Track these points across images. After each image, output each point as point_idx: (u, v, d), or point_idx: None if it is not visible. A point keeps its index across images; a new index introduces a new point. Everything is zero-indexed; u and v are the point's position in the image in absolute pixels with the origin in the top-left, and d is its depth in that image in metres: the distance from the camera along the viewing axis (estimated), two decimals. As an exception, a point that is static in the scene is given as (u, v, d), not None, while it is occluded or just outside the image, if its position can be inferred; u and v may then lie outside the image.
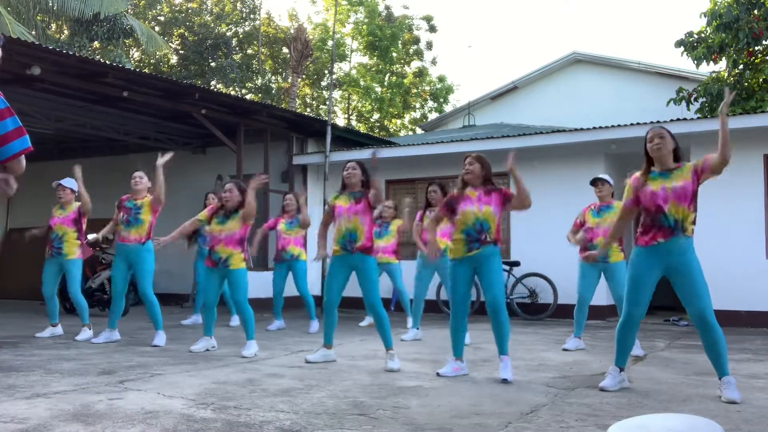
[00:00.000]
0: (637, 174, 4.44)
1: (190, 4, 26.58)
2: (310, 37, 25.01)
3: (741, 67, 12.49)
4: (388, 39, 26.91)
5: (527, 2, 53.40)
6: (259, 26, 26.83)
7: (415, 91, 28.62)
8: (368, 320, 8.71)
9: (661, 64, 16.64)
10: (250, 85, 26.57)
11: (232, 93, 21.32)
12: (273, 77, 28.20)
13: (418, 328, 7.34)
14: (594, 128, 10.26)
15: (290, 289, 8.40)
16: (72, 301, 7.23)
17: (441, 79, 28.78)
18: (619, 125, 10.04)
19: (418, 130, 24.99)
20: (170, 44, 24.70)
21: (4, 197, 2.87)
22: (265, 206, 11.04)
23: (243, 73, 25.09)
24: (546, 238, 10.17)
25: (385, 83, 27.70)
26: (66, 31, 20.82)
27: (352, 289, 5.68)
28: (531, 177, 11.03)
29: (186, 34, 25.45)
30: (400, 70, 28.82)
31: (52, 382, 4.44)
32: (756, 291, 9.06)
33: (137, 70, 12.49)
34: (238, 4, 26.93)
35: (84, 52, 16.88)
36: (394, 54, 27.71)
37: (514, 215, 10.49)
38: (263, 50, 26.93)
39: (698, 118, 11.13)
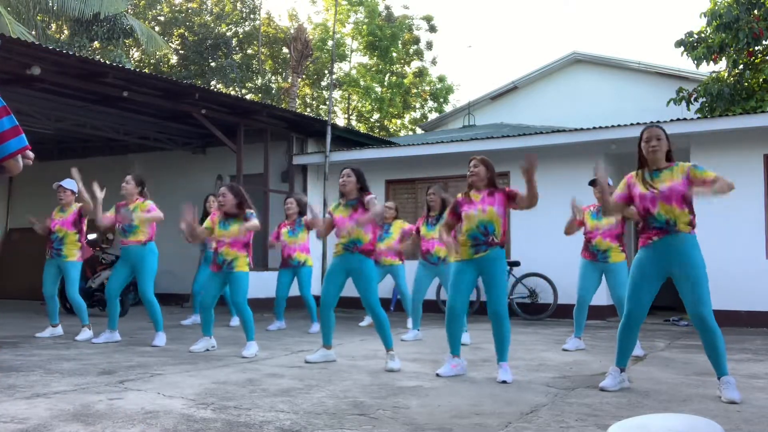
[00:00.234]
0: (632, 173, 4.45)
1: (190, 4, 26.58)
2: (310, 37, 25.02)
3: (741, 67, 12.50)
4: (388, 39, 26.92)
5: (527, 2, 53.44)
6: (259, 26, 26.84)
7: (415, 91, 28.62)
8: (368, 320, 8.71)
9: (661, 64, 16.65)
10: (250, 85, 26.58)
11: (232, 93, 21.33)
12: (273, 77, 28.21)
13: (419, 330, 7.35)
14: (594, 128, 10.26)
15: (290, 290, 8.38)
16: (71, 302, 7.23)
17: (441, 79, 28.78)
18: (619, 125, 10.05)
19: (418, 130, 25.00)
20: (170, 44, 24.70)
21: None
22: (265, 206, 11.05)
23: (243, 73, 25.09)
24: (546, 238, 10.17)
25: (385, 83, 27.71)
26: (66, 31, 20.82)
27: (353, 288, 5.68)
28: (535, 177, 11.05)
29: (186, 34, 25.45)
30: (400, 70, 28.82)
31: (52, 382, 4.43)
32: (756, 291, 9.06)
33: (137, 70, 12.49)
34: (238, 4, 26.94)
35: (84, 52, 16.89)
36: (394, 54, 27.72)
37: (514, 215, 10.49)
38: (263, 50, 26.93)
39: (698, 118, 11.13)
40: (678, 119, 10.09)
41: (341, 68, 28.52)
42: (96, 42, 19.21)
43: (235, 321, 8.51)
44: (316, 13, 39.31)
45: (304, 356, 5.72)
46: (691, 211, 4.25)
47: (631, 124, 9.91)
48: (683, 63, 33.46)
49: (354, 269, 5.38)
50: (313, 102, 29.10)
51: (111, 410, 3.63)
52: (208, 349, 6.14)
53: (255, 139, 11.71)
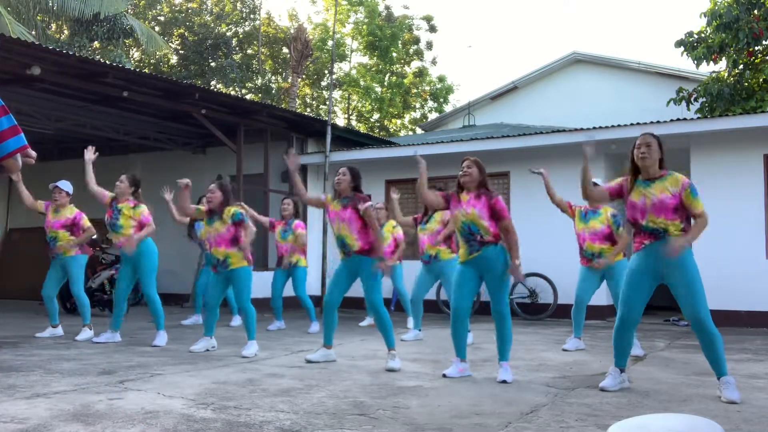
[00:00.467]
0: (630, 176, 4.45)
1: (190, 4, 26.57)
2: (310, 37, 25.01)
3: (741, 67, 12.50)
4: (388, 39, 26.91)
5: (527, 2, 53.43)
6: (259, 26, 26.83)
7: (415, 91, 28.62)
8: (368, 320, 8.72)
9: (661, 64, 16.64)
10: (250, 85, 26.58)
11: (232, 93, 21.33)
12: (273, 77, 28.20)
13: (420, 330, 7.35)
14: (594, 128, 10.25)
15: (290, 290, 8.39)
16: (74, 299, 7.22)
17: (441, 79, 28.78)
18: (619, 125, 10.04)
19: (418, 130, 24.99)
20: (170, 44, 24.70)
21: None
22: (265, 206, 11.05)
23: (243, 73, 25.09)
24: (546, 238, 10.17)
25: (385, 83, 27.70)
26: (66, 31, 20.82)
27: (353, 289, 5.68)
28: (530, 177, 11.06)
29: (186, 34, 25.45)
30: (400, 70, 28.82)
31: (52, 382, 4.43)
32: (756, 291, 9.06)
33: (137, 70, 12.49)
34: (238, 4, 26.93)
35: (84, 52, 16.88)
36: (394, 54, 27.71)
37: (514, 215, 10.42)
38: (263, 50, 26.93)
39: (698, 118, 11.13)
40: (678, 119, 10.08)
41: (341, 68, 28.54)
42: (96, 42, 19.20)
43: (236, 321, 8.52)
44: (316, 13, 39.38)
45: (304, 356, 5.72)
46: (683, 219, 4.25)
47: (631, 124, 9.91)
48: (683, 63, 33.47)
49: (357, 270, 5.41)
50: (313, 102, 29.10)
51: (111, 410, 3.63)
52: (208, 350, 6.14)
53: (255, 139, 11.71)
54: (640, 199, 4.28)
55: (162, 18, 26.22)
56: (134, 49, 24.84)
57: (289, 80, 24.95)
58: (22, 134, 2.80)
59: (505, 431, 3.35)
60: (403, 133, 28.41)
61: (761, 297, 9.05)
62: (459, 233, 4.89)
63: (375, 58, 28.00)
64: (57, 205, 7.13)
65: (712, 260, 8.18)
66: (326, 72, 27.16)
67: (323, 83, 28.35)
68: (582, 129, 10.43)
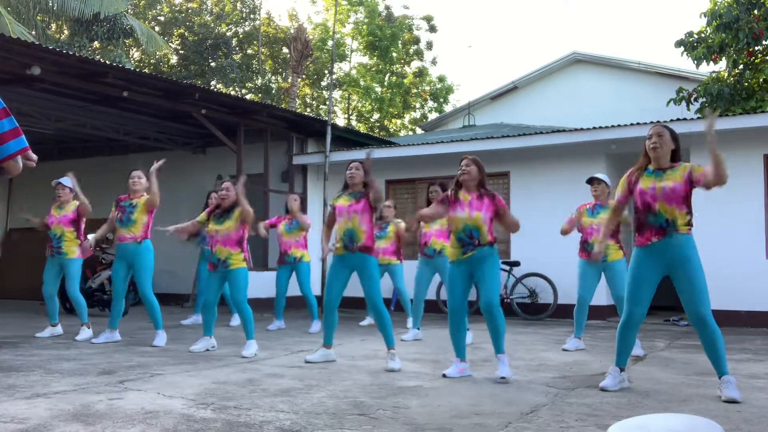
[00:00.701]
0: (632, 169, 4.45)
1: (190, 4, 26.58)
2: (310, 37, 25.01)
3: (741, 67, 12.49)
4: (388, 39, 26.91)
5: (527, 2, 53.43)
6: (259, 26, 26.83)
7: (415, 91, 28.62)
8: (368, 320, 8.72)
9: (661, 64, 16.64)
10: (250, 85, 26.58)
11: (232, 93, 21.33)
12: (273, 77, 28.20)
13: (419, 329, 7.35)
14: (594, 128, 10.26)
15: (291, 290, 8.39)
16: (71, 300, 7.23)
17: (441, 79, 28.78)
18: (619, 125, 10.04)
19: (418, 130, 24.99)
20: (170, 44, 24.69)
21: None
22: (264, 207, 11.05)
23: (243, 73, 25.09)
24: (546, 238, 10.15)
25: (385, 83, 27.70)
26: (66, 31, 20.82)
27: (353, 288, 5.68)
28: (530, 177, 11.10)
29: (186, 34, 25.45)
30: (400, 70, 28.82)
31: (52, 382, 4.43)
32: (756, 291, 9.06)
33: (137, 70, 12.49)
34: (238, 4, 26.93)
35: (84, 52, 16.89)
36: (394, 54, 27.71)
37: (514, 215, 10.48)
38: (263, 50, 26.93)
39: (698, 118, 11.12)
40: (678, 119, 10.09)
41: (341, 68, 28.54)
42: (96, 42, 19.21)
43: (235, 321, 8.52)
44: (316, 13, 39.36)
45: (304, 356, 5.72)
46: (690, 212, 4.25)
47: (631, 124, 9.91)
48: (683, 63, 33.46)
49: (357, 267, 5.39)
50: (313, 102, 29.10)
51: (111, 410, 3.63)
52: (208, 349, 6.15)
53: (255, 139, 11.71)
54: (650, 186, 4.26)
55: (162, 18, 26.22)
56: (134, 49, 24.85)
57: (289, 80, 24.95)
58: (23, 136, 2.81)
59: (505, 431, 3.35)
60: (403, 133, 28.41)
61: (761, 297, 9.06)
62: (456, 234, 4.86)
63: (375, 58, 28.00)
64: (61, 202, 7.14)
65: (712, 260, 8.17)
66: (326, 72, 27.16)
67: (323, 83, 28.35)
68: (582, 129, 10.43)
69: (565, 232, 6.60)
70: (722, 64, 13.01)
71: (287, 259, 8.15)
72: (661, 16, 54.80)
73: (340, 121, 27.87)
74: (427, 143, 11.97)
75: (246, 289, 6.06)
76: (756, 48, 12.23)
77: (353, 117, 29.17)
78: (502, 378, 4.65)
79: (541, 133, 10.75)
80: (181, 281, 11.77)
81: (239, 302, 6.02)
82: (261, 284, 9.69)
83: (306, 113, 22.62)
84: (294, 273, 8.18)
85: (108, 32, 18.01)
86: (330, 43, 25.27)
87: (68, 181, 7.14)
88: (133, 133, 12.12)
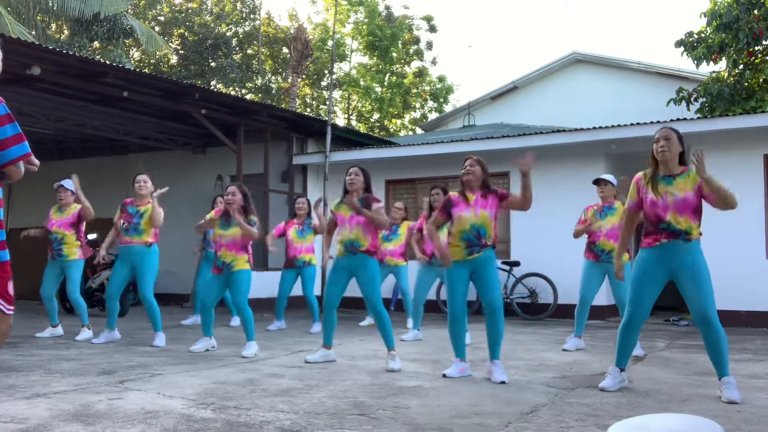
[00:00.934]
0: (639, 174, 4.43)
1: (190, 4, 26.58)
2: (310, 37, 25.01)
3: (741, 67, 12.50)
4: (388, 39, 26.91)
5: (527, 2, 53.43)
6: (259, 26, 26.83)
7: (415, 91, 28.62)
8: (368, 320, 8.71)
9: (661, 64, 16.64)
10: (250, 85, 26.58)
11: (232, 93, 21.33)
12: (273, 77, 28.20)
13: (419, 330, 7.35)
14: (594, 128, 10.26)
15: (292, 290, 8.36)
16: (71, 302, 7.22)
17: (441, 79, 28.78)
18: (619, 125, 10.04)
19: (418, 130, 24.99)
20: (170, 44, 24.69)
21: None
22: (265, 207, 11.05)
23: (243, 73, 25.09)
24: (546, 238, 10.17)
25: (385, 83, 27.70)
26: (66, 31, 20.82)
27: (353, 288, 5.68)
28: (531, 177, 11.06)
29: (186, 34, 25.45)
30: (400, 70, 28.82)
31: (52, 382, 4.44)
32: (756, 291, 9.06)
33: (137, 70, 12.49)
34: (238, 4, 26.93)
35: (84, 52, 16.88)
36: (394, 54, 27.72)
37: (514, 215, 10.49)
38: (263, 50, 26.93)
39: (698, 118, 11.13)
40: (678, 119, 10.08)
41: (341, 68, 28.54)
42: (96, 42, 19.20)
43: (235, 321, 8.51)
44: (316, 13, 39.34)
45: (304, 356, 5.72)
46: (700, 222, 4.26)
47: (631, 124, 9.91)
48: (683, 63, 33.44)
49: (357, 269, 5.40)
50: (313, 102, 29.10)
51: (111, 410, 3.63)
52: (207, 350, 6.15)
53: (255, 139, 11.71)
54: (661, 197, 4.25)
55: (162, 18, 26.22)
56: (134, 49, 24.85)
57: (289, 80, 24.96)
58: (26, 142, 2.83)
59: (505, 431, 3.35)
60: (403, 133, 28.41)
61: (761, 297, 9.05)
62: (461, 234, 4.85)
63: (375, 58, 28.00)
64: (62, 204, 7.13)
65: (712, 260, 8.14)
66: (326, 72, 27.16)
67: (323, 83, 28.35)
68: (582, 129, 10.43)
69: (579, 234, 6.53)
70: (722, 64, 13.02)
71: (296, 263, 8.09)
72: (661, 16, 54.82)
73: (340, 121, 27.88)
74: (427, 143, 11.97)
75: (247, 292, 6.07)
76: (756, 48, 12.24)
77: (353, 117, 29.17)
78: (502, 382, 4.65)
79: (541, 133, 10.75)
80: (181, 281, 11.76)
81: (240, 304, 6.01)
82: (261, 284, 9.67)
83: (306, 113, 22.61)
84: (299, 276, 8.16)
85: (108, 32, 18.01)
86: (330, 43, 25.27)
87: (70, 183, 7.12)
88: (133, 133, 12.12)
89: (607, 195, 6.42)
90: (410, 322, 7.74)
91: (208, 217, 6.31)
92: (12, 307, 2.90)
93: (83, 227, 7.20)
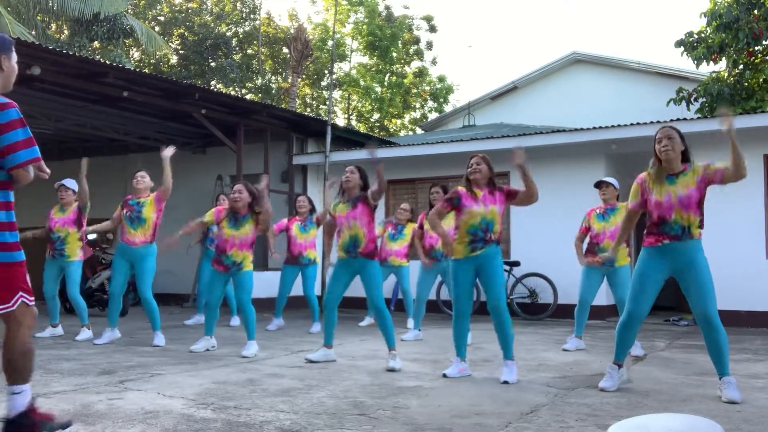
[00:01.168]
0: (643, 174, 4.44)
1: (190, 4, 26.57)
2: (310, 37, 25.00)
3: (741, 67, 12.49)
4: (388, 39, 26.91)
5: (527, 2, 53.43)
6: (259, 26, 26.83)
7: (415, 91, 28.61)
8: (368, 320, 8.71)
9: (661, 64, 16.64)
10: (250, 85, 26.57)
11: (232, 93, 21.32)
12: (273, 77, 28.20)
13: (419, 330, 7.35)
14: (594, 128, 10.25)
15: (292, 290, 8.36)
16: (71, 302, 7.22)
17: (441, 79, 28.77)
18: (619, 125, 10.04)
19: (418, 130, 24.99)
20: (170, 44, 24.69)
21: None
22: (265, 206, 11.04)
23: (243, 73, 25.08)
24: (546, 238, 10.17)
25: (385, 83, 27.70)
26: (66, 31, 20.82)
27: (353, 288, 5.68)
28: (530, 172, 11.05)
29: (186, 34, 25.45)
30: (400, 70, 28.81)
31: (52, 382, 4.44)
32: (756, 291, 9.06)
33: (137, 70, 12.49)
34: (238, 4, 26.93)
35: (84, 52, 16.88)
36: (394, 54, 27.71)
37: (514, 215, 10.49)
38: (263, 50, 26.93)
39: (698, 118, 11.13)
40: (678, 119, 10.08)
41: (341, 68, 28.53)
42: (96, 42, 19.20)
43: (235, 321, 8.52)
44: (316, 13, 39.35)
45: (304, 356, 5.72)
46: (702, 215, 4.29)
47: (631, 124, 9.90)
48: (683, 63, 33.42)
49: (359, 272, 5.43)
50: (313, 102, 29.09)
51: (111, 410, 3.63)
52: (208, 349, 6.15)
53: (255, 139, 11.71)
54: (665, 197, 4.27)
55: (162, 18, 26.21)
56: (134, 49, 24.84)
57: (289, 80, 24.95)
58: (36, 147, 2.86)
59: (505, 431, 3.36)
60: (403, 133, 28.40)
61: (761, 297, 9.05)
62: (469, 230, 4.84)
63: (375, 58, 28.00)
64: (63, 204, 7.14)
65: (712, 260, 8.14)
66: (326, 72, 27.16)
67: (323, 83, 28.34)
68: (582, 129, 10.43)
69: (578, 248, 6.57)
70: (722, 64, 13.01)
71: (301, 261, 8.07)
72: (661, 16, 54.81)
73: (340, 121, 27.88)
74: (427, 143, 11.97)
75: (251, 290, 6.10)
76: (756, 48, 12.24)
77: (353, 117, 29.17)
78: (505, 381, 4.65)
79: (541, 133, 10.75)
80: (181, 281, 11.77)
81: (244, 302, 6.02)
82: (261, 284, 9.66)
83: (306, 113, 22.62)
84: (301, 274, 8.15)
85: (108, 32, 18.01)
86: (330, 43, 25.27)
87: (71, 182, 7.14)
88: (133, 133, 12.12)
89: (609, 197, 6.43)
90: (411, 322, 7.74)
91: (206, 219, 6.30)
92: (33, 298, 2.96)
93: (85, 221, 7.19)
